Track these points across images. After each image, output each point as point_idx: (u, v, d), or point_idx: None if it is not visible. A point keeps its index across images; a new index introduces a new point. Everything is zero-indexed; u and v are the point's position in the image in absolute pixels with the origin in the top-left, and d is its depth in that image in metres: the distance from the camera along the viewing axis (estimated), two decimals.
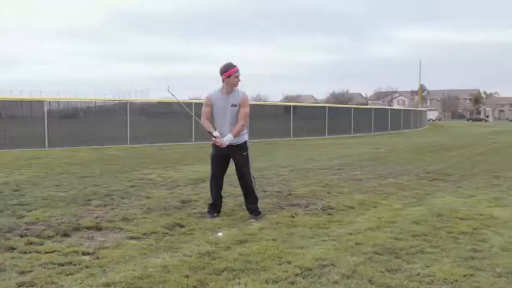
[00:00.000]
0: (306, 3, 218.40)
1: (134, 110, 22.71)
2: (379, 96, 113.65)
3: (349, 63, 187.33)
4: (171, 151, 17.08)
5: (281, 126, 27.13)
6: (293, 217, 6.19)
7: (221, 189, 6.37)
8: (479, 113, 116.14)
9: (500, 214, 6.38)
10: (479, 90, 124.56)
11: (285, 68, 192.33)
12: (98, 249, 4.71)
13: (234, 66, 6.00)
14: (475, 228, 5.60)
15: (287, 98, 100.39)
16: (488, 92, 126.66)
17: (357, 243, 4.94)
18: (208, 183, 6.59)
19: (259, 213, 6.20)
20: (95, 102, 23.47)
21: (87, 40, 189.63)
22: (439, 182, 9.30)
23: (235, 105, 6.04)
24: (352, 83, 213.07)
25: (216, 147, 6.10)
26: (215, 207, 6.30)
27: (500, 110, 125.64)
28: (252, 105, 6.49)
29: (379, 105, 74.03)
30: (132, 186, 8.51)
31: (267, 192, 7.94)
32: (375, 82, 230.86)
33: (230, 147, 6.04)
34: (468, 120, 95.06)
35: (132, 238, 5.16)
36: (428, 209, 6.72)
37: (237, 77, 6.01)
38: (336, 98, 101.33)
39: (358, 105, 60.89)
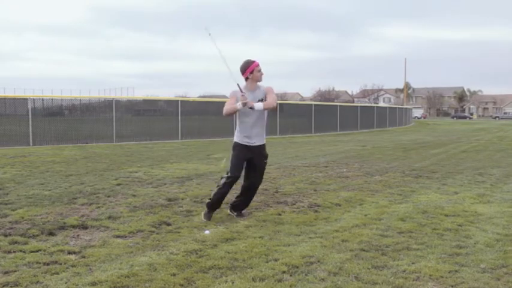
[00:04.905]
0: (292, 0, 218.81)
1: (120, 108, 22.58)
2: (365, 93, 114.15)
3: (335, 61, 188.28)
4: (157, 149, 17.00)
5: (267, 123, 27.02)
6: (280, 215, 6.20)
7: None
8: (463, 110, 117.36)
9: (485, 211, 6.46)
10: (463, 88, 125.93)
11: (271, 65, 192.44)
12: (84, 248, 4.68)
13: (254, 61, 5.89)
14: (459, 225, 5.67)
15: None
16: (472, 89, 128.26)
17: (343, 240, 4.97)
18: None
19: (243, 215, 6.13)
20: (80, 100, 23.29)
21: (70, 36, 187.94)
22: (424, 179, 9.38)
23: (263, 100, 5.89)
24: (339, 80, 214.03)
25: (242, 149, 5.91)
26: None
27: (484, 108, 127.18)
28: None
29: (365, 103, 74.37)
30: (118, 185, 8.45)
31: None
32: (361, 80, 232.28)
33: (255, 150, 5.96)
34: (453, 117, 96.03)
35: (118, 237, 5.13)
36: (413, 206, 6.78)
37: (259, 70, 5.89)
38: (322, 95, 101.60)
39: (344, 102, 61.14)
